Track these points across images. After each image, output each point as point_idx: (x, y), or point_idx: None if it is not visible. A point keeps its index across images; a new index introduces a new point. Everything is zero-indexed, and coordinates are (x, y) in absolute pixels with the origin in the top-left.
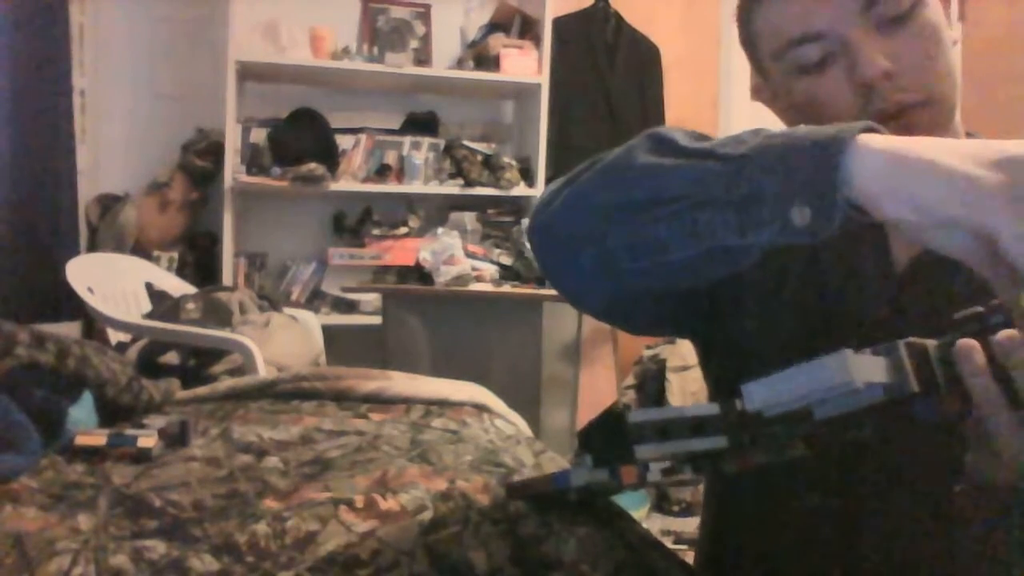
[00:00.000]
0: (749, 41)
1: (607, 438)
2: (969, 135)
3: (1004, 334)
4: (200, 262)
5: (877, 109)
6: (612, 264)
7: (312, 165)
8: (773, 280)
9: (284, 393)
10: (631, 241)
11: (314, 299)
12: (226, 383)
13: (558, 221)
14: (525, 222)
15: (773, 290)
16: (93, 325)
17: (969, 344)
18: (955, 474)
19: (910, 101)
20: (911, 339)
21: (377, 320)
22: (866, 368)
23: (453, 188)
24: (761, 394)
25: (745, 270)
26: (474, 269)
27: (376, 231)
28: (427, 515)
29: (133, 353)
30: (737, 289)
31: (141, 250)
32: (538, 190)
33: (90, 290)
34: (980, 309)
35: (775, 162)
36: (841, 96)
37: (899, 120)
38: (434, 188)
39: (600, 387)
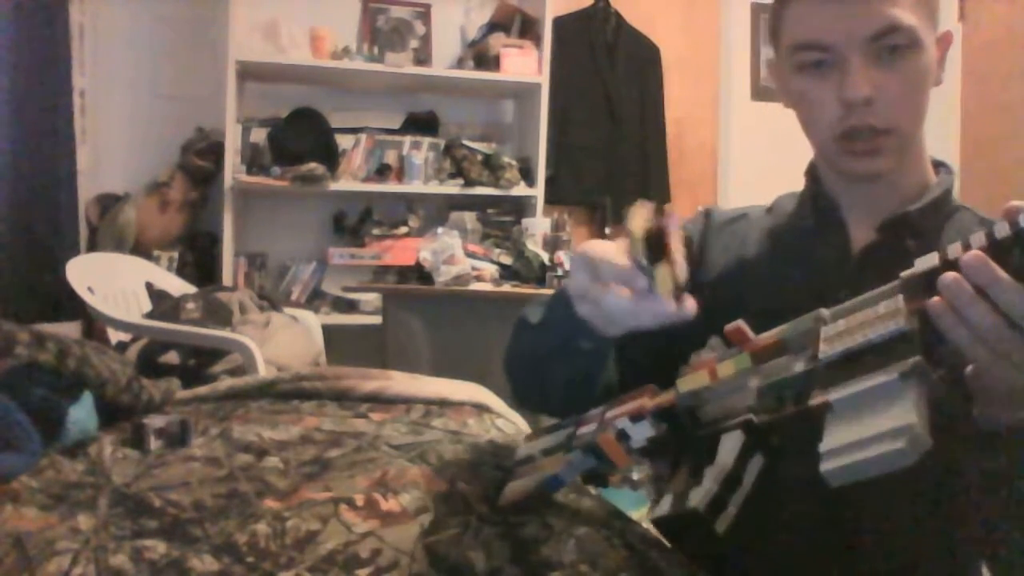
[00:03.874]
0: (776, 24)
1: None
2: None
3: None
4: (200, 262)
5: (851, 124)
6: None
7: (312, 165)
8: (731, 292)
9: (284, 393)
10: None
11: (314, 299)
12: (226, 383)
13: (509, 374)
14: (525, 222)
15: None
16: (93, 325)
17: (941, 305)
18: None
19: (879, 126)
20: (920, 357)
21: (377, 320)
22: (922, 406)
23: (453, 188)
24: (842, 476)
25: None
26: (474, 269)
27: (376, 231)
28: (427, 516)
29: (133, 353)
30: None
31: (141, 250)
32: (538, 190)
33: (90, 290)
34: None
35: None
36: (826, 103)
37: (865, 139)
38: (434, 188)
39: None
